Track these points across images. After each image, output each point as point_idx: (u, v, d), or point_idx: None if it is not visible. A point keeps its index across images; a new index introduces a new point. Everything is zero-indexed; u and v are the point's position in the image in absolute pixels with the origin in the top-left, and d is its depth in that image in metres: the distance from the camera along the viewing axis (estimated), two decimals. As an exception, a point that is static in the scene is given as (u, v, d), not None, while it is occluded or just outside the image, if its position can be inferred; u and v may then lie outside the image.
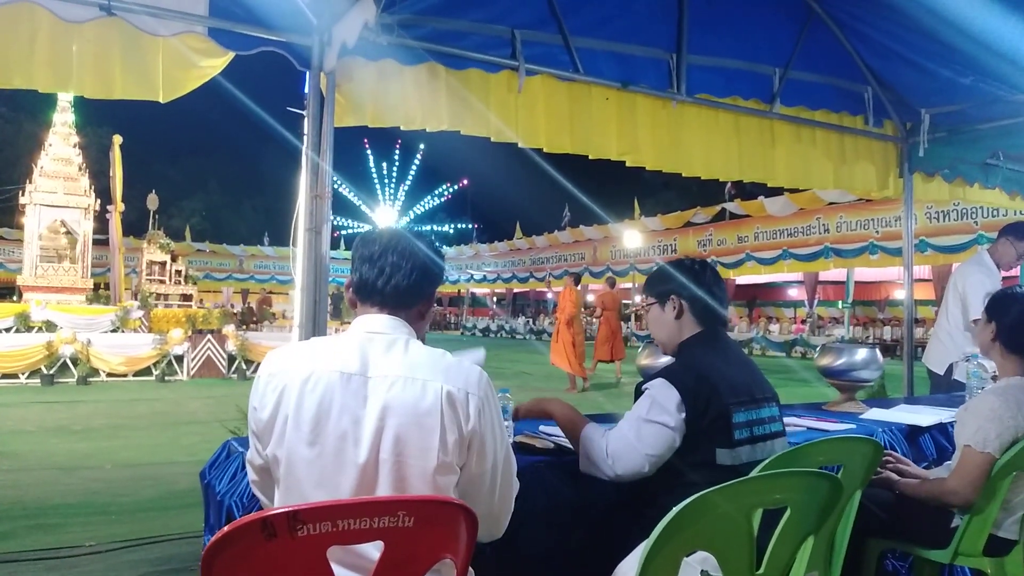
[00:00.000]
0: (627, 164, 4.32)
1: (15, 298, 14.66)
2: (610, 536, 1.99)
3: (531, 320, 33.51)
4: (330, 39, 3.35)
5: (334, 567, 1.22)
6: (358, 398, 1.40)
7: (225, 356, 12.61)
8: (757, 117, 4.52)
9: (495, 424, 1.49)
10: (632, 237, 25.00)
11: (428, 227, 40.48)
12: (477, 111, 3.78)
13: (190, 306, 14.89)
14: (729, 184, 20.92)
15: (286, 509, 1.14)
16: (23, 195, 14.20)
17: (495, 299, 39.81)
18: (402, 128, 3.70)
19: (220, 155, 48.60)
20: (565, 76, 3.99)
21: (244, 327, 14.05)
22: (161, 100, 3.27)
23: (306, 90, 3.57)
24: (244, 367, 12.53)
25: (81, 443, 6.43)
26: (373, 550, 1.27)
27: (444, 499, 1.28)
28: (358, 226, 38.02)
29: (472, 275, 36.07)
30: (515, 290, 36.39)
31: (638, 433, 1.89)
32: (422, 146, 38.65)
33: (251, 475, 1.60)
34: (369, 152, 38.77)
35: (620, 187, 31.96)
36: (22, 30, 2.97)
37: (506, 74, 3.82)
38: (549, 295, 34.89)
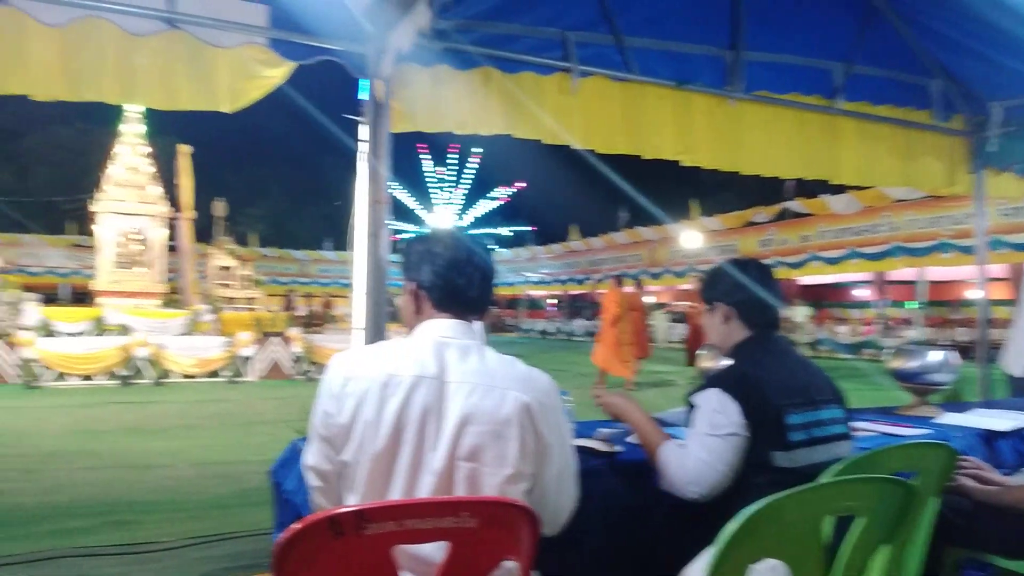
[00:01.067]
0: (683, 164, 4.27)
1: (91, 303, 15.32)
2: (673, 539, 1.97)
3: (589, 322, 33.30)
4: (385, 47, 3.41)
5: (400, 572, 1.24)
6: (438, 403, 1.41)
7: (291, 358, 12.94)
8: (819, 113, 4.41)
9: (563, 432, 1.52)
10: (690, 238, 24.66)
11: (485, 230, 40.79)
12: (530, 114, 3.79)
13: (256, 309, 15.35)
14: (789, 182, 20.45)
15: (353, 508, 1.17)
16: (93, 203, 14.81)
17: (555, 301, 39.74)
18: (456, 132, 3.74)
19: (283, 163, 49.99)
20: (618, 76, 3.97)
21: (308, 329, 14.39)
22: (226, 110, 3.38)
23: (362, 97, 3.64)
24: (309, 369, 12.83)
25: (156, 442, 6.70)
26: (436, 554, 1.29)
27: (508, 501, 1.29)
28: (416, 230, 38.55)
29: (528, 277, 36.12)
30: (572, 292, 36.28)
31: (710, 450, 1.85)
32: (478, 149, 38.94)
33: (313, 481, 1.55)
34: (424, 156, 39.24)
35: (677, 187, 31.55)
36: (91, 45, 3.10)
37: (559, 76, 3.83)
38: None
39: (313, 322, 16.13)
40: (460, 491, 1.39)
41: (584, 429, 2.50)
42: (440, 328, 1.53)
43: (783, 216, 22.22)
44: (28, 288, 14.74)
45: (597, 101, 3.95)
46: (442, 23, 3.48)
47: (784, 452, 1.84)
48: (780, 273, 21.10)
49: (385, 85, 3.49)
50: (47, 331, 11.54)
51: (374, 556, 1.19)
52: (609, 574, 2.00)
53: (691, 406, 1.98)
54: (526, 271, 36.25)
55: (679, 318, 26.01)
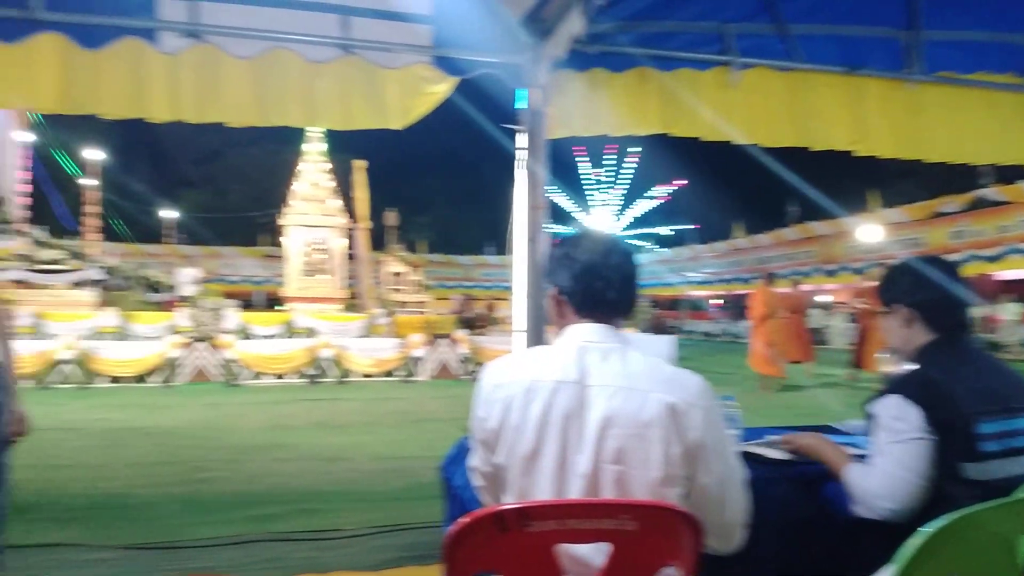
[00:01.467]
0: (858, 153, 4.00)
1: (279, 307, 16.84)
2: (852, 555, 1.86)
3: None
4: (541, 55, 3.49)
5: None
6: (579, 407, 1.43)
7: (458, 359, 13.49)
8: (1013, 93, 3.97)
9: (720, 434, 1.47)
10: (869, 231, 22.89)
11: (644, 230, 40.23)
12: (688, 111, 3.72)
13: (425, 312, 16.17)
14: (985, 167, 18.42)
15: (517, 505, 1.23)
16: (281, 217, 16.30)
17: (720, 302, 38.39)
18: (612, 135, 3.75)
19: (448, 173, 52.25)
20: (782, 66, 3.80)
21: (472, 330, 14.94)
22: (396, 127, 3.60)
23: (520, 106, 3.74)
24: (475, 369, 13.34)
25: (339, 437, 7.23)
26: (597, 557, 1.31)
27: (668, 505, 1.29)
28: (575, 233, 38.67)
29: (690, 278, 35.14)
30: (737, 292, 34.82)
31: (895, 459, 1.74)
32: (635, 149, 38.49)
33: (476, 481, 1.65)
34: (582, 159, 39.35)
35: (853, 178, 29.42)
36: (276, 73, 3.42)
37: (717, 70, 3.73)
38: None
39: (477, 324, 16.69)
40: (608, 493, 1.39)
41: (753, 435, 2.42)
42: (582, 332, 1.54)
43: (977, 205, 20.04)
44: (227, 295, 16.47)
45: (759, 93, 3.80)
46: (597, 27, 3.50)
47: (975, 463, 1.69)
48: (975, 268, 19.08)
49: (541, 93, 3.57)
50: (245, 334, 12.80)
51: (537, 553, 1.24)
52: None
53: (870, 416, 1.86)
54: (687, 271, 35.30)
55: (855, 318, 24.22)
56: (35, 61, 3.26)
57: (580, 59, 3.54)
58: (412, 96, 3.60)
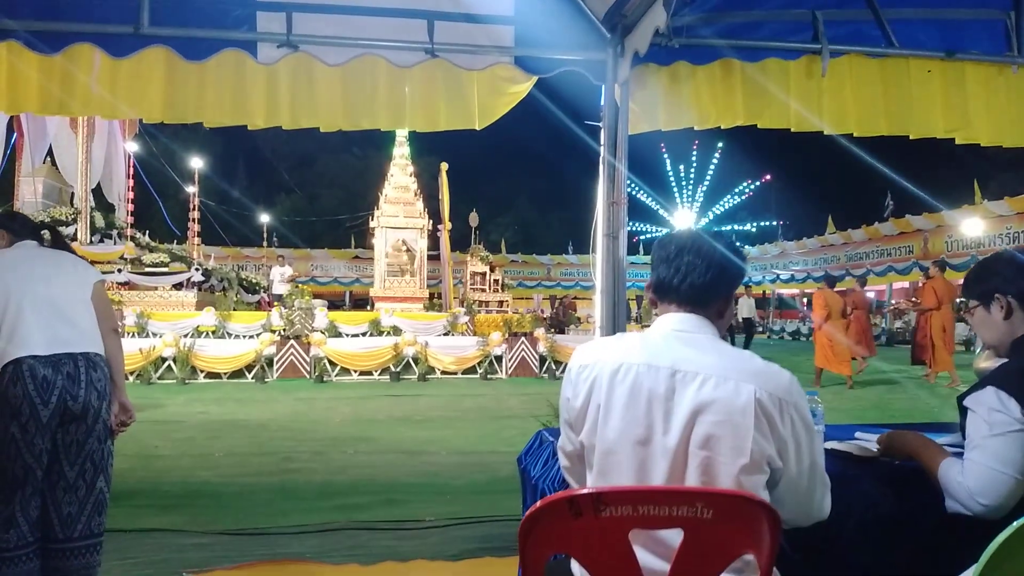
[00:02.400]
0: (957, 142, 3.81)
1: (369, 307, 17.33)
2: (941, 554, 1.78)
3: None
4: (623, 51, 3.48)
5: (638, 550, 1.29)
6: (668, 391, 1.44)
7: (537, 357, 13.55)
8: None
9: (807, 428, 1.46)
10: (973, 225, 21.60)
11: (729, 227, 39.27)
12: (776, 102, 3.64)
13: (506, 312, 16.31)
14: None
15: (591, 490, 1.24)
16: (372, 220, 16.79)
17: (804, 300, 37.11)
18: (696, 128, 3.70)
19: (528, 174, 52.52)
20: (876, 53, 3.66)
21: (552, 330, 14.96)
22: (477, 127, 3.67)
23: (602, 103, 3.74)
24: (553, 367, 13.35)
25: (422, 431, 7.40)
26: (675, 537, 1.31)
27: (745, 495, 1.27)
28: (656, 230, 38.25)
29: (778, 275, 34.00)
30: (864, 291, 33.47)
31: (994, 454, 1.68)
32: (720, 144, 37.65)
33: (563, 461, 1.70)
34: (666, 155, 38.77)
35: (954, 169, 27.91)
36: (366, 79, 3.54)
37: (806, 59, 3.63)
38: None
39: (557, 323, 16.71)
40: (693, 479, 1.40)
41: (839, 433, 2.36)
42: (671, 320, 1.56)
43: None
44: (316, 296, 17.07)
45: (851, 82, 3.68)
46: (680, 20, 3.46)
47: None
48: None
49: (623, 89, 3.56)
50: (334, 332, 13.23)
51: (611, 538, 1.24)
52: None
53: (963, 411, 1.78)
54: (775, 268, 34.21)
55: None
56: (143, 74, 3.49)
57: (662, 53, 3.51)
58: (494, 96, 3.67)
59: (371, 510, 4.41)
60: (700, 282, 1.55)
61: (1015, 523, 1.22)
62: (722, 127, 3.69)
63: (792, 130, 3.68)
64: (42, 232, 3.02)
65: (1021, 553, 1.24)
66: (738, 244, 1.63)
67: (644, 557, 1.34)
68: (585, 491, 1.24)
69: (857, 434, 2.33)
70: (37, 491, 2.73)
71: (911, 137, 3.80)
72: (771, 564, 1.28)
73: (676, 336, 1.52)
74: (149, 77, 3.46)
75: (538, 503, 1.26)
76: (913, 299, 22.02)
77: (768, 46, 3.59)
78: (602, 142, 3.72)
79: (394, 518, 4.22)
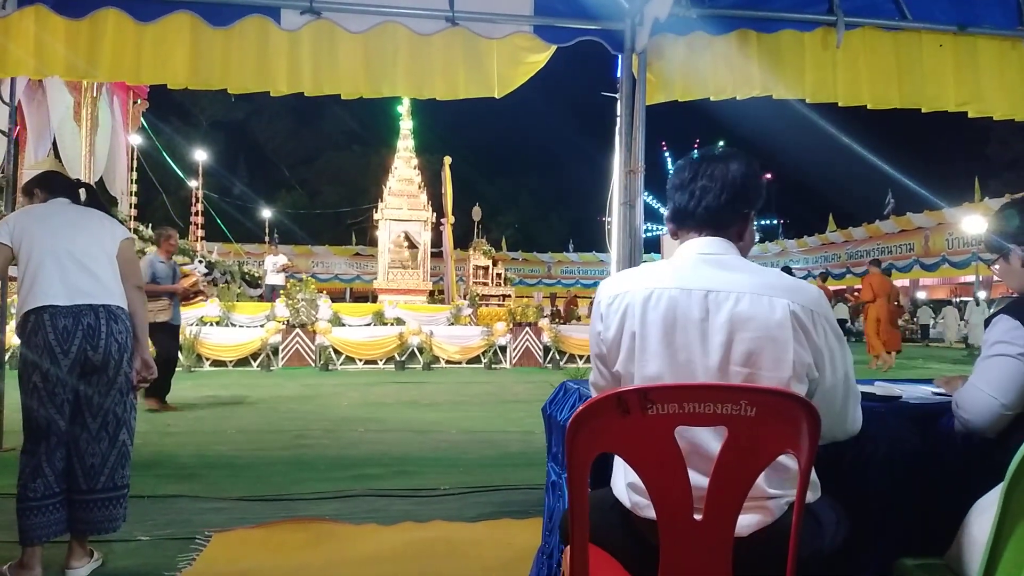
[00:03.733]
0: (969, 115, 3.86)
1: (372, 300, 17.37)
2: (963, 487, 1.83)
3: (850, 319, 30.62)
4: (642, 19, 3.53)
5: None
6: (703, 313, 1.45)
7: (541, 347, 13.61)
8: None
9: (839, 338, 1.50)
10: (974, 222, 21.65)
11: (730, 226, 39.30)
12: (791, 73, 3.69)
13: (508, 305, 16.35)
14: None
15: (638, 387, 1.28)
16: (376, 212, 16.85)
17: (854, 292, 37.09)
18: (712, 99, 3.74)
19: (530, 174, 52.59)
20: (890, 25, 3.72)
21: (557, 320, 15.03)
22: (496, 96, 3.71)
23: (619, 74, 3.79)
24: (557, 357, 13.43)
25: (429, 413, 7.44)
26: (714, 443, 1.36)
27: (786, 391, 1.31)
28: (657, 229, 38.26)
29: (791, 270, 34.06)
30: (830, 288, 33.57)
31: (981, 373, 1.78)
32: (721, 143, 37.67)
33: (594, 395, 1.70)
34: (667, 154, 38.81)
35: (955, 167, 27.96)
36: (387, 46, 3.58)
37: (822, 31, 3.68)
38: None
39: (557, 320, 16.77)
40: None
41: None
42: (696, 245, 1.57)
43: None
44: (318, 292, 17.04)
45: (865, 54, 3.73)
46: (698, -10, 3.51)
47: None
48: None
49: (641, 58, 3.61)
50: (338, 323, 13.26)
51: (658, 435, 1.28)
52: (893, 513, 1.91)
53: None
54: (776, 267, 34.25)
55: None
56: (168, 39, 3.53)
57: (680, 23, 3.56)
58: (513, 65, 3.71)
59: (386, 480, 4.45)
60: (715, 204, 1.55)
61: None
62: (737, 98, 3.73)
63: (807, 101, 3.72)
64: (79, 190, 3.07)
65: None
66: (753, 162, 1.59)
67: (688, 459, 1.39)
68: (632, 387, 1.28)
69: (876, 383, 2.38)
70: (62, 442, 2.78)
71: (923, 110, 3.85)
72: (810, 464, 1.32)
73: (703, 260, 1.53)
74: (174, 42, 3.50)
75: (587, 402, 1.30)
76: (855, 294, 22.30)
77: (784, 17, 3.64)
78: (618, 112, 3.77)
79: (409, 487, 4.25)
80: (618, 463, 1.59)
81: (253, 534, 3.35)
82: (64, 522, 2.80)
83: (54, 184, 3.02)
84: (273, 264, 16.98)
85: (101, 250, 2.89)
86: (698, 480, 1.31)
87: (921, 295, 31.59)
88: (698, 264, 1.53)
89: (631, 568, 1.50)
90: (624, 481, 1.53)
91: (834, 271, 30.35)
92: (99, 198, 3.14)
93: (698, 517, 1.31)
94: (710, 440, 1.40)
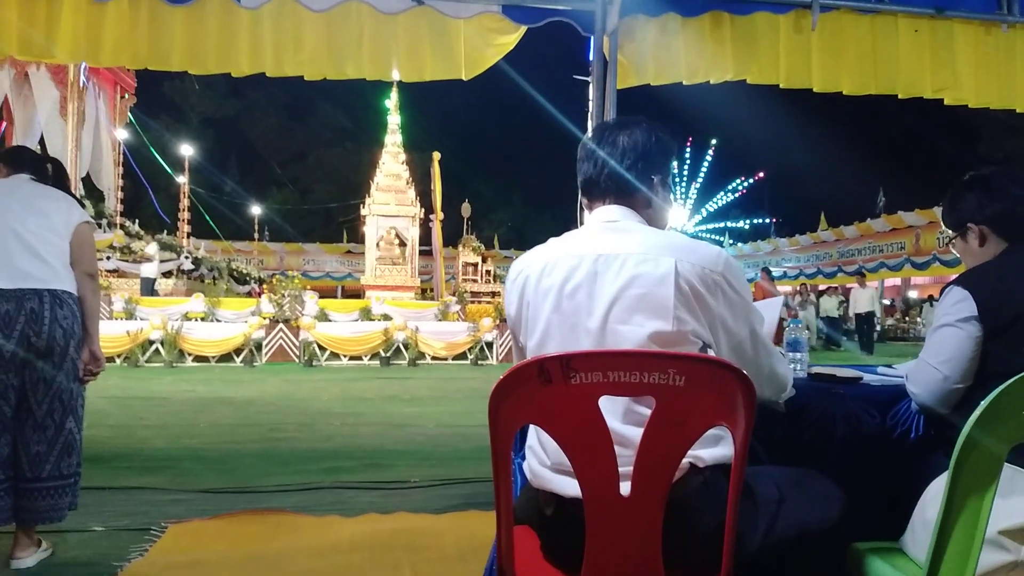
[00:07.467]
0: (945, 102, 3.80)
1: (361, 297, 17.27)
2: (921, 468, 1.77)
3: (840, 316, 30.62)
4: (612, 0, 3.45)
5: (615, 421, 1.29)
6: (591, 275, 1.43)
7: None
8: None
9: (740, 297, 1.44)
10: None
11: (722, 224, 39.39)
12: (766, 57, 3.61)
13: (497, 303, 16.29)
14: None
15: (560, 354, 1.20)
16: (363, 207, 16.76)
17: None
18: (684, 83, 3.67)
19: (522, 173, 52.54)
20: (867, 8, 3.64)
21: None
22: (464, 78, 3.63)
23: (590, 57, 3.71)
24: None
25: (409, 408, 7.36)
26: (647, 408, 1.28)
27: (718, 360, 1.24)
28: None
29: (771, 272, 34.07)
30: (820, 287, 33.63)
31: (928, 346, 1.76)
32: (714, 141, 37.76)
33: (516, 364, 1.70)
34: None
35: (947, 165, 28.02)
36: (351, 26, 3.49)
37: (796, 14, 3.61)
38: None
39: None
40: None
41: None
42: (599, 214, 1.56)
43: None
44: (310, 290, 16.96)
45: (840, 38, 3.66)
46: (669, -29, 3.44)
47: None
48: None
49: (612, 39, 3.53)
50: (324, 319, 13.17)
51: (582, 406, 1.21)
52: (850, 495, 1.84)
53: None
54: (768, 265, 34.26)
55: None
56: (127, 18, 3.43)
57: (651, 4, 3.49)
58: (481, 47, 3.63)
59: (356, 473, 4.37)
60: (617, 172, 1.54)
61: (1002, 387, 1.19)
62: (711, 82, 3.66)
63: (781, 86, 3.65)
64: (47, 164, 2.97)
65: (1009, 414, 1.21)
66: (659, 127, 1.58)
67: (621, 428, 1.32)
68: (554, 355, 1.20)
69: (880, 369, 2.32)
70: (7, 428, 2.69)
71: (899, 96, 3.78)
72: (747, 436, 1.24)
73: (602, 227, 1.52)
74: (134, 22, 3.41)
75: (507, 372, 1.23)
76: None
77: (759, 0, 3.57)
78: (590, 96, 3.69)
79: (378, 479, 4.18)
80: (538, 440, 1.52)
81: (209, 525, 3.26)
82: (9, 510, 2.71)
83: (21, 159, 2.92)
84: (154, 249, 16.12)
85: (52, 232, 2.79)
86: (637, 435, 1.25)
87: (912, 294, 31.63)
88: (595, 231, 1.52)
89: (557, 549, 1.44)
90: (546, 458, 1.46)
91: (825, 270, 30.38)
92: (63, 176, 3.04)
93: (625, 493, 1.23)
94: (635, 434, 1.32)
